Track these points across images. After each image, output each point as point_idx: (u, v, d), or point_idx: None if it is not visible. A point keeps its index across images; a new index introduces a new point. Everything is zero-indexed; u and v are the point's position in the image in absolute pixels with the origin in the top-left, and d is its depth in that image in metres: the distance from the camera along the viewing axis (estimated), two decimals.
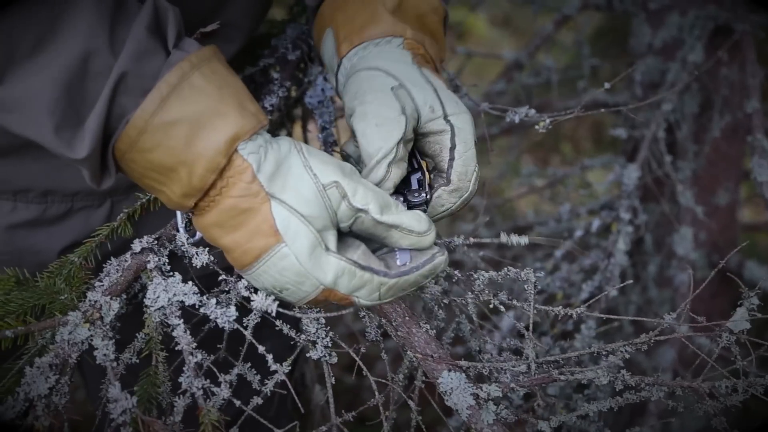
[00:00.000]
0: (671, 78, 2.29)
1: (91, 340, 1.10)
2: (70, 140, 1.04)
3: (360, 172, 1.18)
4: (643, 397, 1.19)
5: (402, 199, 1.18)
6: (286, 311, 1.17)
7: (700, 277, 2.32)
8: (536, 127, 1.48)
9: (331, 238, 1.09)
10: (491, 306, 1.27)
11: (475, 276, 1.27)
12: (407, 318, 1.20)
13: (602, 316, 1.30)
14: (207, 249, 1.21)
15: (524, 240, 1.24)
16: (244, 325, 1.18)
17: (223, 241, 1.09)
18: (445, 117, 1.21)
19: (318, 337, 1.19)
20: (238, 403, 1.14)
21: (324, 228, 1.08)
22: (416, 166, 1.22)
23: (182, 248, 1.22)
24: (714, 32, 2.30)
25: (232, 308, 1.15)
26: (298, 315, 1.19)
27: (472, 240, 1.27)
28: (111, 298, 1.15)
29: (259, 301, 1.14)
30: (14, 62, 1.01)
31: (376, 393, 1.24)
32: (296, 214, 1.06)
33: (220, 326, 1.15)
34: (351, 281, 1.08)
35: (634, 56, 2.53)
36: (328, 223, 1.09)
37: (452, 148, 1.20)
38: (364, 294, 1.10)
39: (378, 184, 1.16)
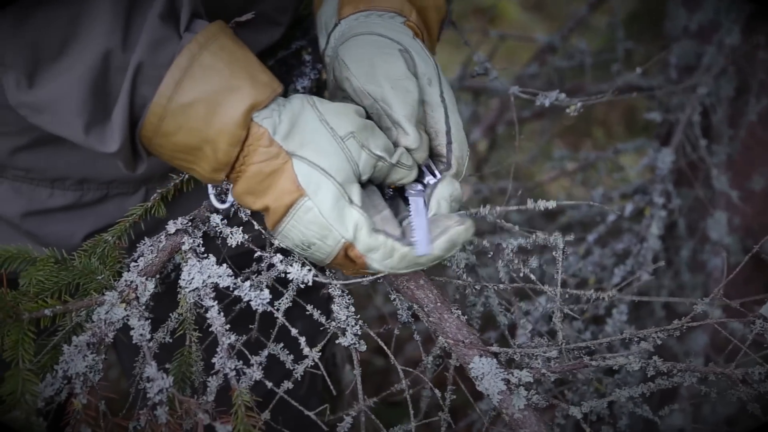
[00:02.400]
0: (707, 61, 2.26)
1: (127, 319, 1.12)
2: (100, 136, 1.08)
3: None
4: (675, 382, 1.19)
5: (422, 187, 1.19)
6: (320, 279, 1.18)
7: (734, 262, 2.30)
8: (567, 110, 1.47)
9: (355, 191, 1.11)
10: (521, 274, 1.27)
11: (504, 245, 1.27)
12: (439, 304, 1.21)
13: (634, 297, 1.30)
14: (241, 228, 1.22)
15: (552, 204, 1.24)
16: (276, 307, 1.19)
17: (256, 206, 1.12)
18: (441, 95, 1.21)
19: (348, 325, 1.20)
20: (270, 384, 1.16)
21: (347, 180, 1.10)
22: None
23: (216, 229, 1.23)
24: (751, 15, 2.27)
25: (266, 291, 1.16)
26: (328, 282, 1.20)
27: (498, 209, 1.26)
28: (146, 279, 1.17)
29: (296, 272, 1.16)
30: (41, 66, 1.05)
31: (403, 378, 1.24)
32: (317, 168, 1.09)
33: (254, 308, 1.16)
34: (368, 239, 1.10)
35: (670, 39, 2.50)
36: (350, 174, 1.11)
37: (448, 132, 1.20)
38: (377, 257, 1.11)
39: (416, 150, 1.18)
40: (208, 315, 1.14)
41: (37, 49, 1.04)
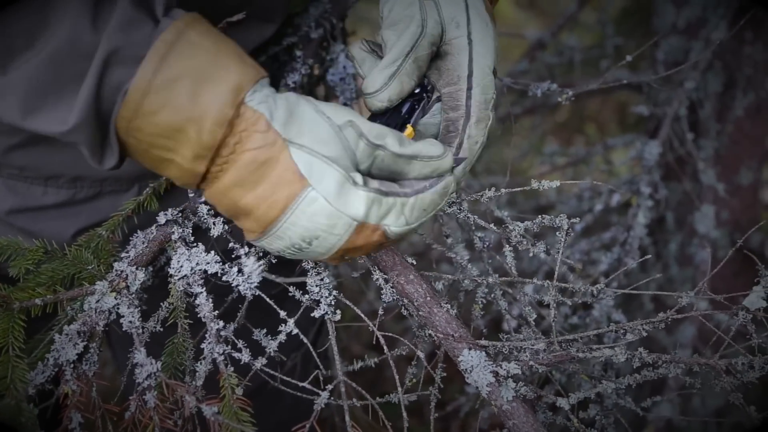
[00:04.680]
0: (694, 57, 2.28)
1: (118, 308, 1.13)
2: (54, 115, 1.02)
3: None
4: (660, 374, 1.20)
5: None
6: (283, 279, 1.19)
7: (722, 256, 2.31)
8: (559, 99, 1.49)
9: (357, 177, 1.04)
10: (531, 255, 1.27)
11: (511, 227, 1.28)
12: (429, 298, 1.21)
13: (623, 290, 1.31)
14: (222, 219, 1.22)
15: (555, 183, 1.23)
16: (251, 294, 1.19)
17: (245, 200, 1.03)
18: (469, 36, 1.17)
19: (321, 296, 1.21)
20: (258, 365, 1.16)
21: (347, 168, 1.04)
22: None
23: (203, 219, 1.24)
24: (738, 11, 2.29)
25: (254, 276, 1.17)
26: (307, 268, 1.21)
27: (503, 191, 1.27)
28: (137, 268, 1.17)
29: (250, 266, 1.17)
30: (14, 55, 1.01)
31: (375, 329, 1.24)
32: (318, 156, 1.02)
33: (242, 294, 1.17)
34: (380, 209, 1.04)
35: (658, 35, 2.51)
36: (349, 164, 1.04)
37: (470, 76, 1.16)
38: (392, 220, 1.05)
39: (371, 94, 1.16)
40: (196, 302, 1.15)
41: (10, 39, 1.00)
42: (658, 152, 2.16)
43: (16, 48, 1.00)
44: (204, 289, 1.16)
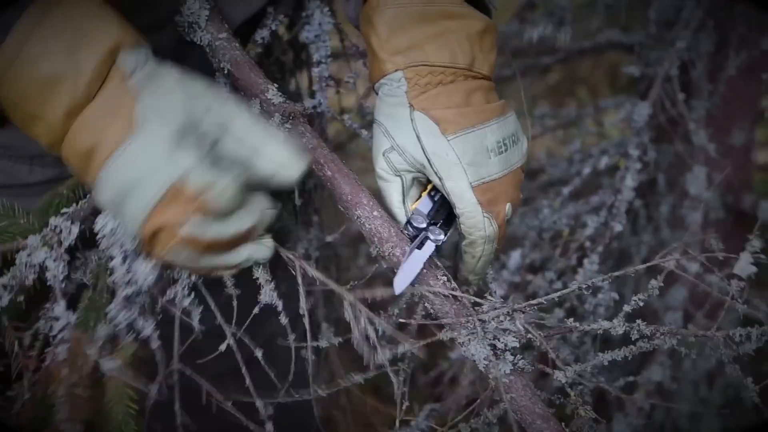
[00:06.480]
0: (686, 15, 2.24)
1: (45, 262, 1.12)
2: None
3: None
4: (656, 345, 1.19)
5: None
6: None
7: (714, 217, 2.30)
8: (557, 41, 1.46)
9: (191, 142, 1.03)
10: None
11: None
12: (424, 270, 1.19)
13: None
14: None
15: None
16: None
17: (88, 142, 1.04)
18: (436, 174, 1.22)
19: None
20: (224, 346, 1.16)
21: (186, 129, 1.03)
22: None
23: None
24: None
25: None
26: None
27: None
28: (71, 223, 1.15)
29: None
30: None
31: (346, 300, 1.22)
32: (159, 113, 1.03)
33: None
34: (205, 173, 1.02)
35: None
36: (190, 126, 1.03)
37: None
38: (216, 193, 1.03)
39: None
40: (110, 265, 1.14)
41: None
42: (648, 114, 2.13)
43: None
44: (122, 252, 1.14)
